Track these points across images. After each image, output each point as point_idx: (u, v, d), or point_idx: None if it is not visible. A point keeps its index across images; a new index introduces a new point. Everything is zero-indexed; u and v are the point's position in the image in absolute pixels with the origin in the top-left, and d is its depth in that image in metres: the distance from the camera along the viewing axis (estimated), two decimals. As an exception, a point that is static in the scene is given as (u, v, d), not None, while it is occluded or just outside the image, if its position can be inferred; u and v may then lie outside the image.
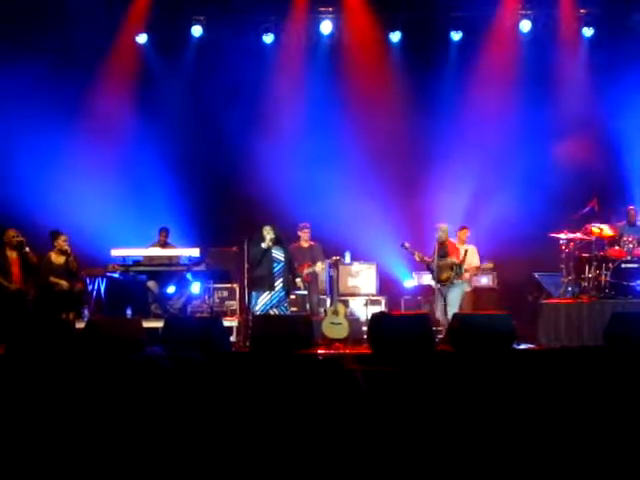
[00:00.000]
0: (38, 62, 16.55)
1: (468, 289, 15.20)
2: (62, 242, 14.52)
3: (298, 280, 14.56)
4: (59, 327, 12.80)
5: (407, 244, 14.43)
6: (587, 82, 17.40)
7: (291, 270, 13.96)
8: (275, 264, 13.64)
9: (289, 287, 13.90)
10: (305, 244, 15.52)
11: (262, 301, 13.52)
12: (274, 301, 13.56)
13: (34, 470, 4.80)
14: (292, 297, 15.58)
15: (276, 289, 13.59)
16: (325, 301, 15.47)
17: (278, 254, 13.70)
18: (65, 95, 16.71)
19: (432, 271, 14.29)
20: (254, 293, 13.70)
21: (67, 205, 16.11)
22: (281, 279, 13.64)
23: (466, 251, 14.90)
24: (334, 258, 15.38)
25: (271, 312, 13.47)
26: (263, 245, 13.57)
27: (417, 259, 14.44)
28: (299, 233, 15.55)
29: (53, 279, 14.41)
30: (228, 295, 16.28)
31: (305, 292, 15.36)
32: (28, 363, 8.55)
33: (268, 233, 13.63)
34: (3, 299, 14.07)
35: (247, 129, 17.44)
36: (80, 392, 5.33)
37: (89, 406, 5.22)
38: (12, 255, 14.36)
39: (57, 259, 14.57)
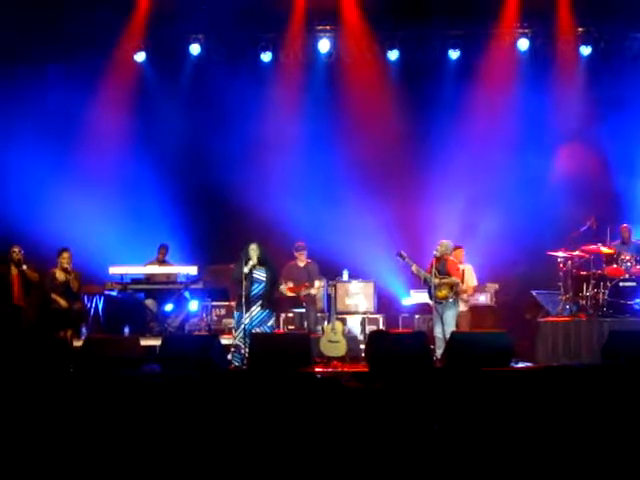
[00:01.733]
0: (37, 79, 16.60)
1: (464, 308, 15.15)
2: (62, 259, 14.55)
3: (282, 287, 14.59)
4: (56, 345, 12.78)
5: (403, 253, 14.33)
6: (584, 100, 17.41)
7: (274, 289, 13.95)
8: (256, 284, 13.50)
9: (272, 307, 13.83)
10: (301, 263, 15.51)
11: (244, 321, 13.40)
12: (255, 321, 13.44)
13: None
14: (290, 315, 15.58)
15: (256, 310, 13.48)
16: (323, 319, 15.44)
17: (260, 275, 13.60)
18: (64, 113, 16.76)
19: (429, 286, 14.22)
20: (236, 313, 13.61)
21: (66, 223, 16.10)
22: (260, 300, 13.53)
23: (463, 271, 14.92)
24: (332, 283, 15.37)
25: (254, 332, 13.41)
26: (245, 269, 13.48)
27: (414, 270, 14.33)
28: (295, 253, 15.53)
29: (53, 296, 14.42)
30: (226, 313, 16.22)
31: (303, 310, 15.37)
32: (24, 382, 8.53)
33: (254, 251, 13.55)
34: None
35: (245, 147, 17.45)
36: (77, 409, 5.31)
37: (86, 423, 5.21)
38: (14, 271, 14.41)
39: (60, 276, 14.60)
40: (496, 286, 15.77)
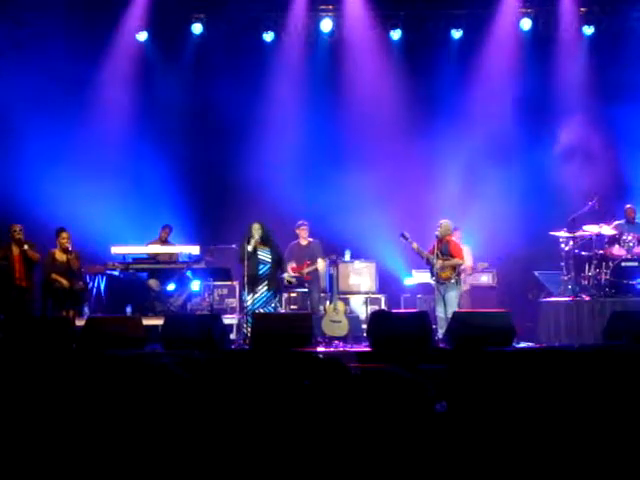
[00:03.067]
0: (40, 61, 16.57)
1: (464, 288, 15.20)
2: (62, 240, 14.47)
3: (285, 275, 14.61)
4: (59, 324, 12.80)
5: (406, 233, 14.35)
6: (587, 80, 17.38)
7: (279, 269, 13.99)
8: (261, 265, 13.65)
9: (277, 287, 13.93)
10: (304, 242, 15.47)
11: (250, 300, 13.56)
12: (261, 301, 13.58)
13: (30, 468, 4.79)
14: (293, 295, 15.57)
15: (261, 290, 13.61)
16: (325, 299, 15.44)
17: (264, 255, 13.69)
18: (66, 93, 16.72)
19: (431, 266, 14.25)
20: (244, 292, 13.76)
21: (68, 203, 16.08)
22: (267, 281, 13.65)
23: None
24: (333, 255, 15.34)
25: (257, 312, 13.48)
26: (249, 248, 13.58)
27: (415, 249, 14.38)
28: (297, 231, 15.50)
29: (54, 276, 14.37)
30: (228, 293, 16.27)
31: (306, 289, 15.34)
32: (27, 360, 8.55)
33: (256, 231, 13.64)
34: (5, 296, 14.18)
35: (247, 127, 17.45)
36: (81, 391, 5.32)
37: (88, 403, 5.21)
38: (15, 251, 14.39)
39: (60, 256, 14.50)
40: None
